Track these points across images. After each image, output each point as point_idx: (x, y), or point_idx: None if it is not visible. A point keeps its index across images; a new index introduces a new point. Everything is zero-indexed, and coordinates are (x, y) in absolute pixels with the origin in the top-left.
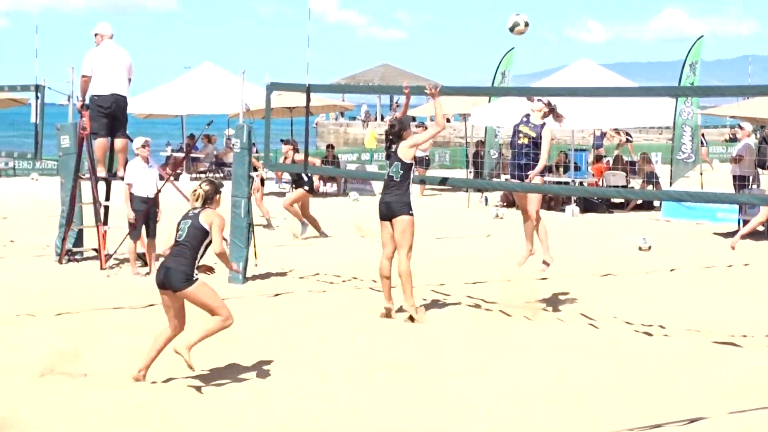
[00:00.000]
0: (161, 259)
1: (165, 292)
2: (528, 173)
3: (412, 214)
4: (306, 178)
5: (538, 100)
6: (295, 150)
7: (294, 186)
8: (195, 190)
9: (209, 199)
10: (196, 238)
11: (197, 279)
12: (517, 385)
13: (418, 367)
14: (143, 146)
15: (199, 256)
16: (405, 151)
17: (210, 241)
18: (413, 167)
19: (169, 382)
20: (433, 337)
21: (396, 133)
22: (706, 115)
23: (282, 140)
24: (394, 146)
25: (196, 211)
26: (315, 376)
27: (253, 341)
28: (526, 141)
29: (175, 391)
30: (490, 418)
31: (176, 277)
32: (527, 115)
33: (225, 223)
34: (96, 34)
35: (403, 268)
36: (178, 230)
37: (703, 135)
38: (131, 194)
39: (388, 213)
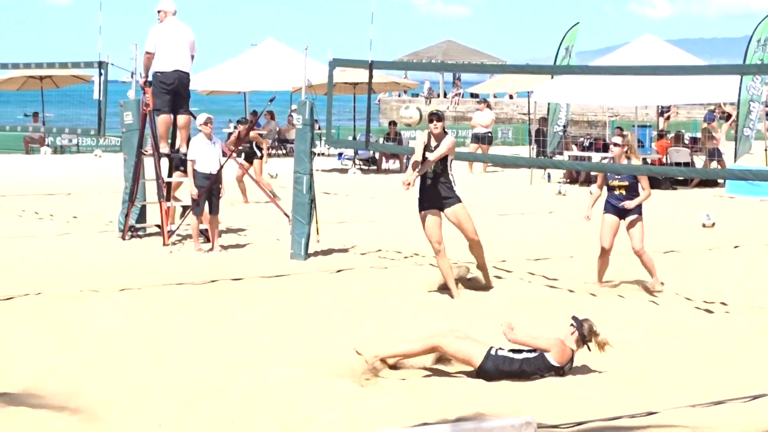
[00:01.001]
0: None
1: None
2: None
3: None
4: (257, 149)
5: (615, 145)
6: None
7: (250, 159)
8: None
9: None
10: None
11: None
12: (580, 363)
13: None
14: (206, 123)
15: None
16: None
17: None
18: None
19: (232, 358)
20: (496, 314)
21: None
22: None
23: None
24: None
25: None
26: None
27: (316, 317)
28: (623, 192)
29: (238, 368)
30: (551, 394)
31: None
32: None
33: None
34: (159, 11)
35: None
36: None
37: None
38: (194, 170)
39: None
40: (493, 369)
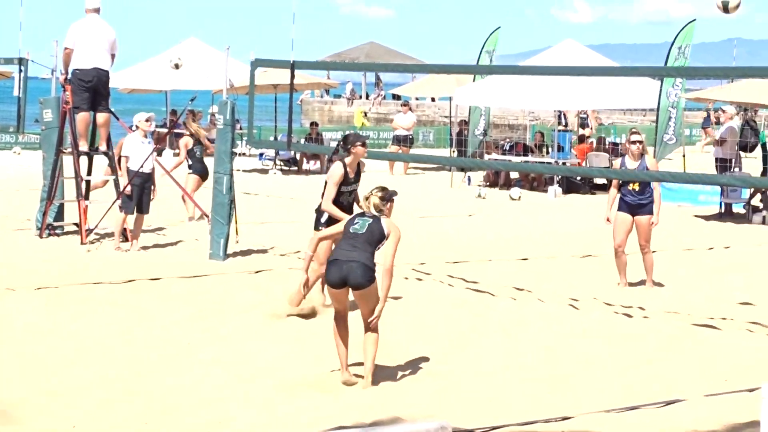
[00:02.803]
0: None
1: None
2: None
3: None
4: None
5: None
6: None
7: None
8: (367, 197)
9: (382, 209)
10: (373, 236)
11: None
12: (498, 365)
13: (402, 346)
14: (147, 120)
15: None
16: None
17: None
18: None
19: (150, 358)
20: (415, 317)
21: (345, 148)
22: (691, 100)
23: None
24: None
25: (374, 215)
26: (298, 352)
27: (234, 318)
28: (636, 187)
29: (155, 368)
30: (468, 397)
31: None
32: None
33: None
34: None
35: None
36: (352, 223)
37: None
38: (127, 168)
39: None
40: None
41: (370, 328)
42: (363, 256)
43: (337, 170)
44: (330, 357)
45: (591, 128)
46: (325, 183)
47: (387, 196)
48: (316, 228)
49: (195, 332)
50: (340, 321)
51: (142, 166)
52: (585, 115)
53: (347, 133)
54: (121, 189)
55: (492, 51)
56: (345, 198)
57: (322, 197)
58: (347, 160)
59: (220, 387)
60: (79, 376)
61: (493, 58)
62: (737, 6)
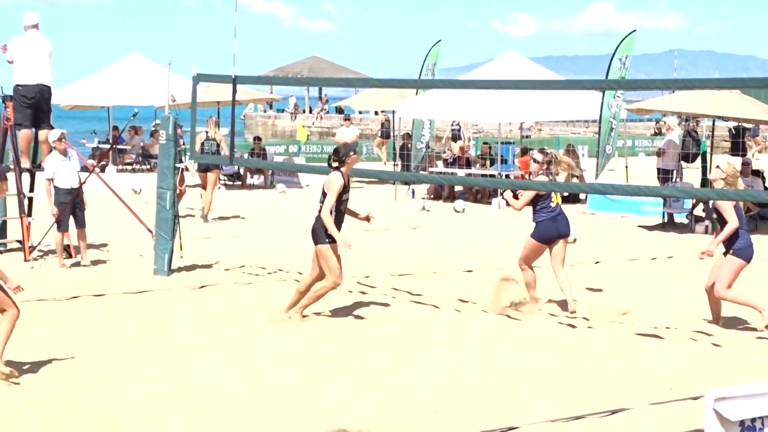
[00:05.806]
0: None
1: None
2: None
3: (327, 242)
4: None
5: (534, 161)
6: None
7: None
8: None
9: None
10: None
11: None
12: (443, 378)
13: (345, 360)
14: (59, 139)
15: None
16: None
17: None
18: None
19: (94, 375)
20: (360, 330)
21: (339, 159)
22: (633, 111)
23: None
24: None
25: None
26: (241, 368)
27: (178, 333)
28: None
29: (100, 384)
30: (414, 410)
31: None
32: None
33: None
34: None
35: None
36: None
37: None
38: (55, 187)
39: (312, 239)
40: None
41: None
42: None
43: (337, 180)
44: (274, 372)
45: (464, 140)
46: (324, 193)
47: None
48: (321, 242)
49: (139, 348)
50: None
51: (75, 183)
52: (457, 127)
53: (337, 146)
54: (51, 211)
55: (433, 64)
56: (343, 206)
57: (320, 210)
58: (343, 170)
59: (165, 403)
60: (22, 393)
61: (435, 71)
62: None
